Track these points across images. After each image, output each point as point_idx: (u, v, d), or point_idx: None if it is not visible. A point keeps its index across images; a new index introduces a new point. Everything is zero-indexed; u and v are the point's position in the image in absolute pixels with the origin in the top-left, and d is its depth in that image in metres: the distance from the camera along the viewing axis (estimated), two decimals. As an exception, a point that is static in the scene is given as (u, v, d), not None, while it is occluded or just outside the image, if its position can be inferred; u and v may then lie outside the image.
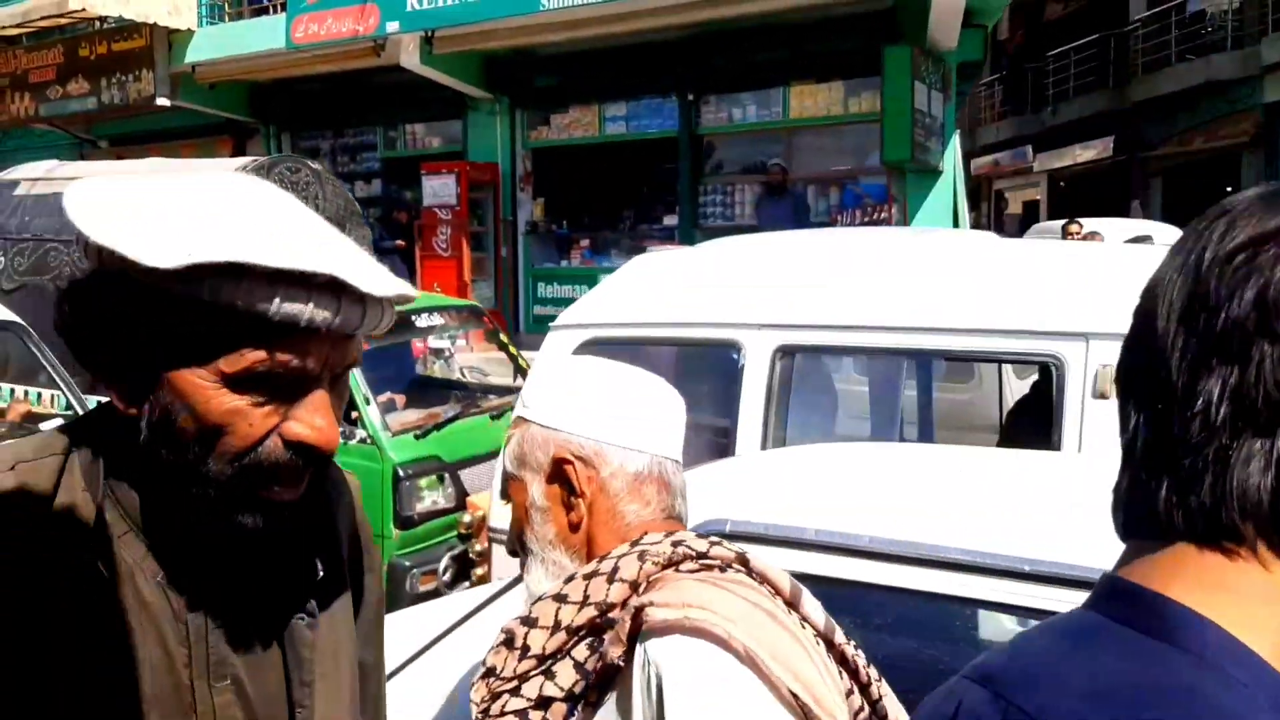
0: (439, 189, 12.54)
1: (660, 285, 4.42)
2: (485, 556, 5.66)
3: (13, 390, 5.78)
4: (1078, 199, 19.38)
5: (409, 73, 12.47)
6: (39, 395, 5.84)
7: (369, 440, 5.38)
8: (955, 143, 10.73)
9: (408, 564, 5.36)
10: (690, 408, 4.19)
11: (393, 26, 11.73)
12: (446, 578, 5.49)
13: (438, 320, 6.26)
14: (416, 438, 5.54)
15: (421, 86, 12.91)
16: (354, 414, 5.51)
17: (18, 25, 13.28)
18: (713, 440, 4.17)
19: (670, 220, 12.41)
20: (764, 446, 3.78)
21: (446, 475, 5.57)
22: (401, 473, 5.33)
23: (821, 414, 4.36)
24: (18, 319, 5.56)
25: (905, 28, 10.39)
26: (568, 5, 10.46)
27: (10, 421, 5.42)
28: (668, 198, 12.58)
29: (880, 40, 10.43)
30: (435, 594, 5.49)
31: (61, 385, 5.60)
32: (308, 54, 12.69)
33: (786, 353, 3.84)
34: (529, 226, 13.18)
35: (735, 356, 3.98)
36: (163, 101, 13.55)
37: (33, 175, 6.87)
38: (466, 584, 5.62)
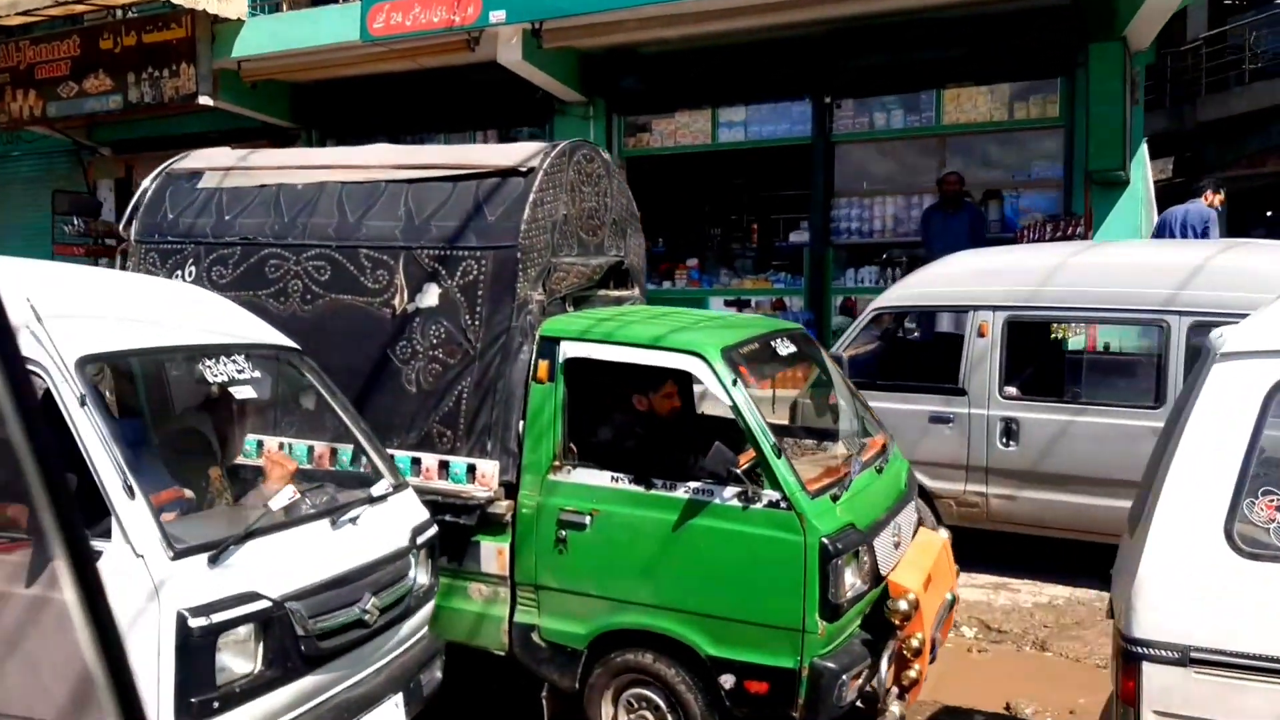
0: (536, 201, 11.13)
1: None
2: (921, 654, 4.39)
3: (274, 445, 4.29)
4: (1127, 221, 18.74)
5: (490, 72, 11.14)
6: (307, 449, 4.37)
7: (782, 504, 4.06)
8: (1144, 152, 9.77)
9: (834, 667, 4.04)
10: None
11: (497, 16, 10.36)
12: (886, 681, 4.20)
13: (790, 348, 4.95)
14: (834, 499, 4.24)
15: (502, 88, 11.56)
16: (734, 468, 4.17)
17: (38, 9, 11.50)
18: None
19: (797, 237, 11.24)
20: None
21: (862, 548, 4.28)
22: (831, 548, 4.02)
23: None
24: (293, 344, 4.11)
25: (1094, 25, 9.40)
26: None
27: (271, 487, 3.89)
28: (792, 212, 11.41)
29: (1063, 38, 9.49)
30: (871, 702, 4.19)
31: (358, 434, 4.15)
32: (384, 49, 11.23)
33: None
34: (624, 244, 11.85)
35: None
36: (205, 100, 11.96)
37: (219, 164, 5.38)
38: (896, 689, 4.33)
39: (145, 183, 5.54)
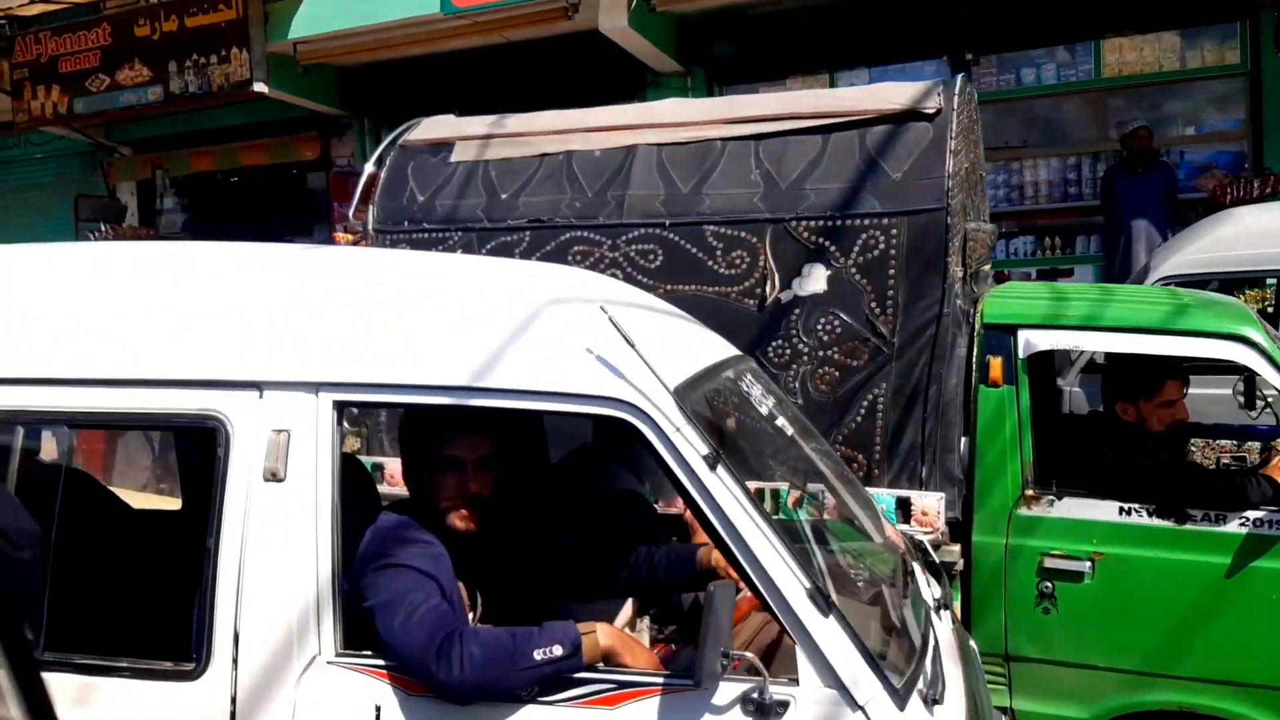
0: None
1: None
2: None
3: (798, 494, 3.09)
4: None
5: (570, 45, 10.04)
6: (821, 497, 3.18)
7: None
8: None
9: None
10: None
11: (608, -23, 9.21)
12: None
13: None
14: None
15: (584, 61, 10.41)
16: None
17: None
18: None
19: (937, 209, 10.16)
20: None
21: None
22: None
23: None
24: (737, 351, 2.97)
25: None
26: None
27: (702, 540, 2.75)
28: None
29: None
30: None
31: (824, 467, 3.00)
32: (466, 22, 10.04)
33: None
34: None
35: None
36: (260, 88, 10.66)
37: (469, 132, 4.21)
38: None
39: (369, 165, 4.35)
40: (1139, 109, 9.53)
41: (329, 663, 2.10)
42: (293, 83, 11.26)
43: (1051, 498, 3.38)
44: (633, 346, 2.06)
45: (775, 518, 2.08)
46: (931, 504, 3.44)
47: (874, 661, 1.94)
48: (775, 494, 2.74)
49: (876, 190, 3.61)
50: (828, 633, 1.94)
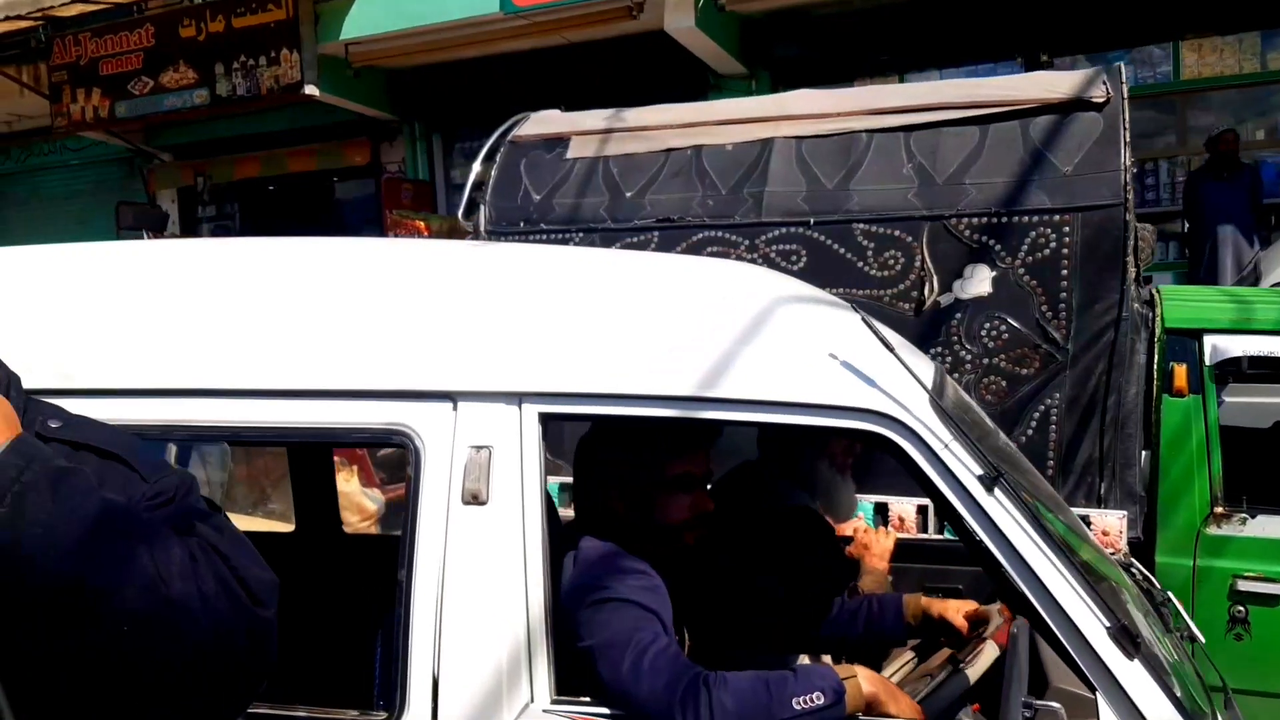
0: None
1: None
2: None
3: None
4: None
5: (627, 47, 9.82)
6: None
7: None
8: None
9: None
10: None
11: (677, -26, 8.99)
12: None
13: None
14: None
15: (641, 63, 10.18)
16: None
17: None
18: None
19: (1008, 215, 9.88)
20: None
21: None
22: None
23: None
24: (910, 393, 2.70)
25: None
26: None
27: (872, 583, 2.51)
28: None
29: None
30: None
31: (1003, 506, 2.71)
32: (526, 22, 9.82)
33: None
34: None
35: None
36: (310, 90, 10.46)
37: (585, 126, 3.97)
38: None
39: (476, 165, 4.11)
40: (1218, 112, 9.26)
41: (544, 711, 1.85)
42: (343, 86, 11.07)
43: (1244, 515, 3.13)
44: (893, 352, 1.81)
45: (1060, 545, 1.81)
46: (1113, 523, 3.16)
47: (1186, 711, 1.68)
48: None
49: (1045, 185, 3.36)
50: (1135, 677, 1.69)
